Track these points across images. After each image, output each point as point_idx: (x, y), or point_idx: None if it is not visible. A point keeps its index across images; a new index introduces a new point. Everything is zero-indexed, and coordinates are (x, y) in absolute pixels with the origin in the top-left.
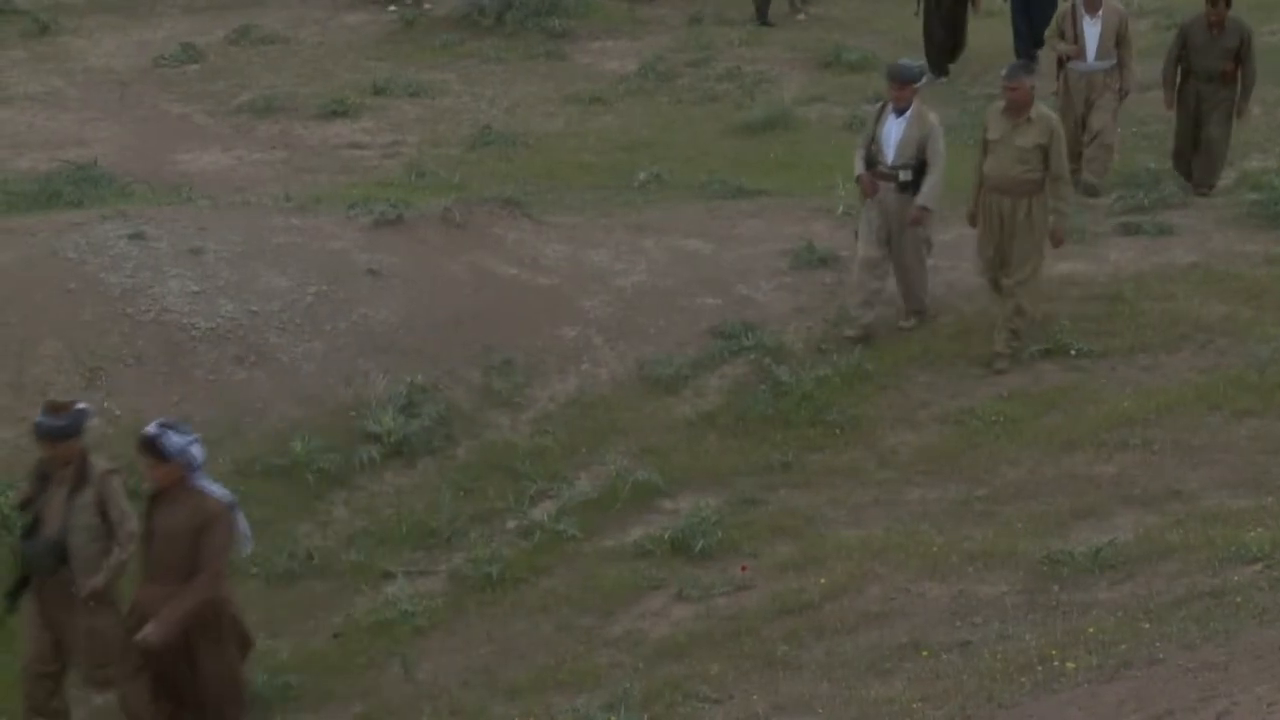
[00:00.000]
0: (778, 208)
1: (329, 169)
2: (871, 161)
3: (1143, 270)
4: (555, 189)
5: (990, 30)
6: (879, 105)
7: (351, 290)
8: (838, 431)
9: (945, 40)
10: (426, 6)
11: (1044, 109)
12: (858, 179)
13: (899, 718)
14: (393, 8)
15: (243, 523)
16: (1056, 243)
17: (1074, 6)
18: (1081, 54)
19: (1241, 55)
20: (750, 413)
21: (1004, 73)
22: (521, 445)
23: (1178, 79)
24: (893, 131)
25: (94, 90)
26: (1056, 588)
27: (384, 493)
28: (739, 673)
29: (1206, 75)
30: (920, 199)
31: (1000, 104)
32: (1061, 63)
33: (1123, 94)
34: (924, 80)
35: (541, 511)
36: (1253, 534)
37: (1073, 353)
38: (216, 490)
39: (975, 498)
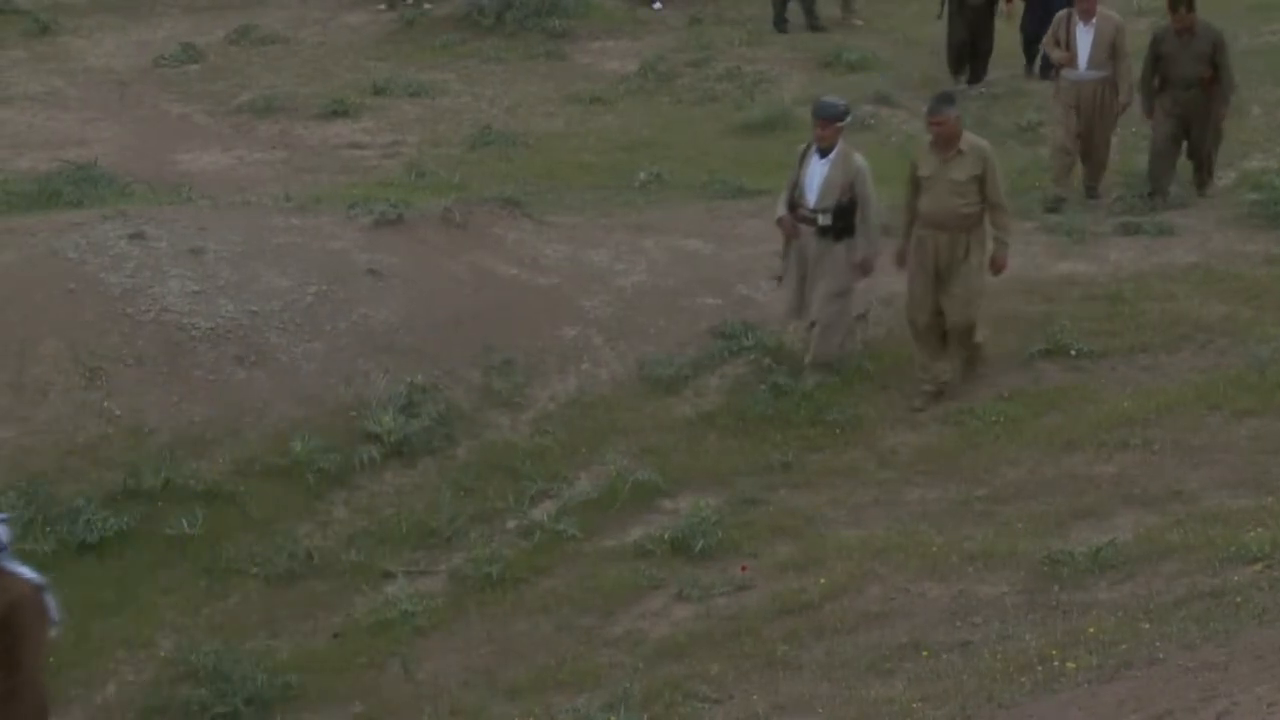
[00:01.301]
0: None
1: (329, 169)
2: (794, 204)
3: (1143, 270)
4: (555, 189)
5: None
6: (804, 145)
7: (352, 290)
8: (838, 431)
9: (966, 43)
10: (427, 6)
11: (974, 139)
12: (778, 221)
13: (899, 718)
14: (382, 6)
15: (53, 606)
16: (997, 270)
17: (1069, 14)
18: (1073, 62)
19: (1216, 60)
20: (750, 413)
21: (927, 108)
22: (522, 445)
23: (1155, 89)
24: (816, 173)
25: (94, 90)
26: (1057, 588)
27: (384, 493)
28: (739, 673)
29: (1184, 83)
30: (862, 250)
31: (928, 140)
32: (1056, 71)
33: (1121, 107)
34: (849, 119)
35: (542, 511)
36: (1253, 534)
37: (1073, 353)
38: (25, 572)
39: (975, 498)
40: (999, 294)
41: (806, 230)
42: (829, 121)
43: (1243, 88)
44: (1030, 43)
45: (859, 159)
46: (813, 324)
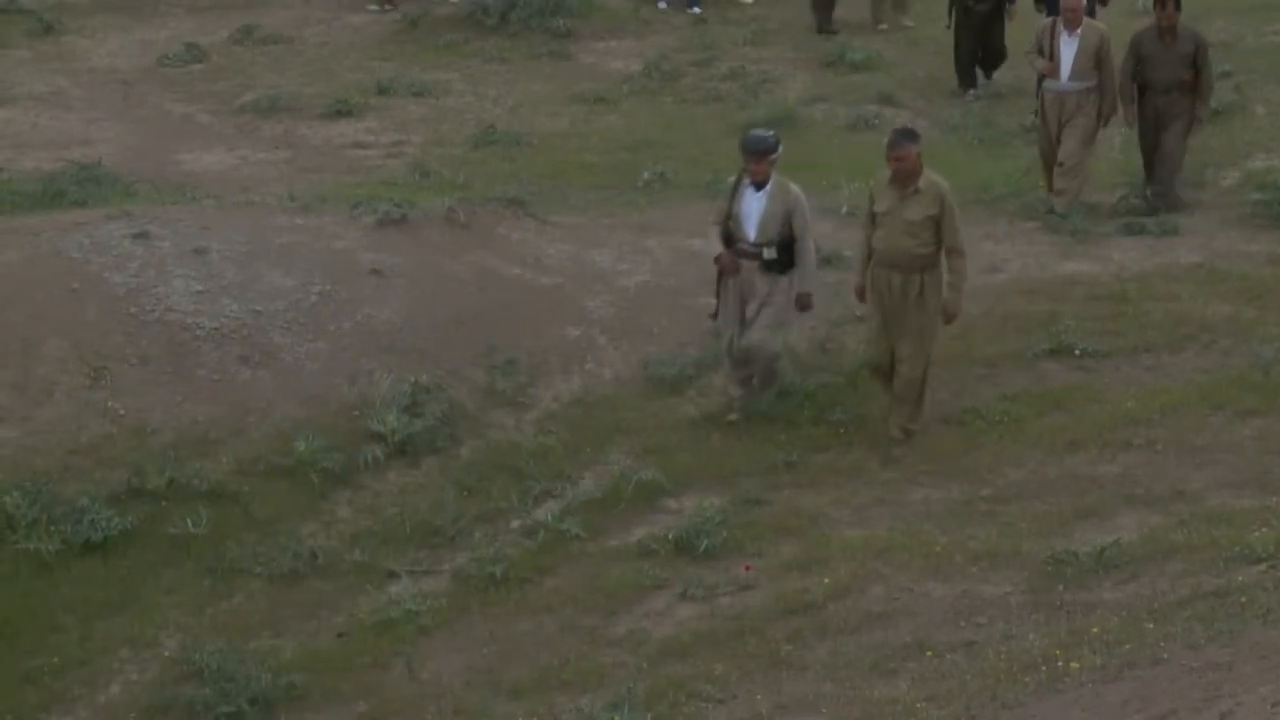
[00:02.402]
0: None
1: (333, 169)
2: (729, 239)
3: (1146, 270)
4: (559, 189)
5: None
6: (734, 178)
7: (355, 290)
8: (841, 431)
9: (973, 51)
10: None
11: (934, 177)
12: (716, 259)
13: (903, 718)
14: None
15: None
16: (949, 318)
17: (1054, 22)
18: (1056, 72)
19: (1198, 63)
20: (754, 412)
21: (887, 141)
22: (525, 445)
23: (1135, 94)
24: (753, 207)
25: (98, 90)
26: (1060, 588)
27: (388, 492)
28: (743, 672)
29: (1164, 87)
30: (802, 284)
31: (886, 174)
32: (1040, 81)
33: (1103, 119)
34: (780, 151)
35: (545, 511)
36: (1257, 534)
37: (1076, 353)
38: None
39: (979, 498)
40: (1003, 294)
41: (749, 265)
42: (761, 156)
43: (1247, 87)
44: None
45: (795, 189)
46: (744, 362)
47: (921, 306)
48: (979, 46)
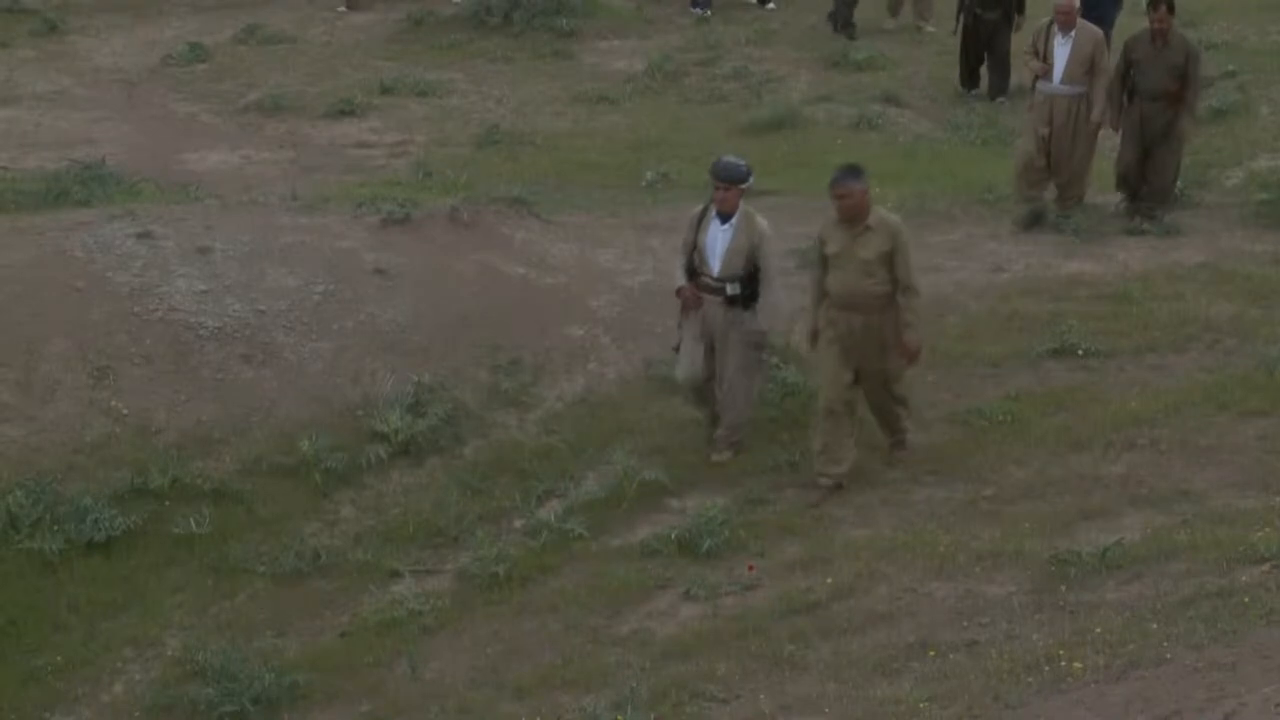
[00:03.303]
0: (784, 207)
1: (336, 168)
2: (693, 272)
3: (1150, 270)
4: (563, 188)
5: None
6: (699, 208)
7: (359, 289)
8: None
9: (979, 57)
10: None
11: (883, 213)
12: (678, 292)
13: (906, 717)
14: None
15: None
16: (909, 356)
17: (1049, 24)
18: (1049, 74)
19: (1188, 73)
20: (757, 412)
21: (831, 178)
22: (529, 444)
23: (1124, 100)
24: (718, 239)
25: (102, 89)
26: (1064, 588)
27: (391, 492)
28: (746, 672)
29: (1151, 94)
30: (764, 322)
31: (834, 214)
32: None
33: (1095, 126)
34: (751, 181)
35: (549, 511)
36: (1260, 534)
37: (1080, 352)
38: None
39: (982, 498)
40: (1007, 294)
41: (712, 300)
42: (731, 184)
43: (1251, 87)
44: None
45: (762, 222)
46: (705, 402)
47: (886, 349)
48: (985, 53)
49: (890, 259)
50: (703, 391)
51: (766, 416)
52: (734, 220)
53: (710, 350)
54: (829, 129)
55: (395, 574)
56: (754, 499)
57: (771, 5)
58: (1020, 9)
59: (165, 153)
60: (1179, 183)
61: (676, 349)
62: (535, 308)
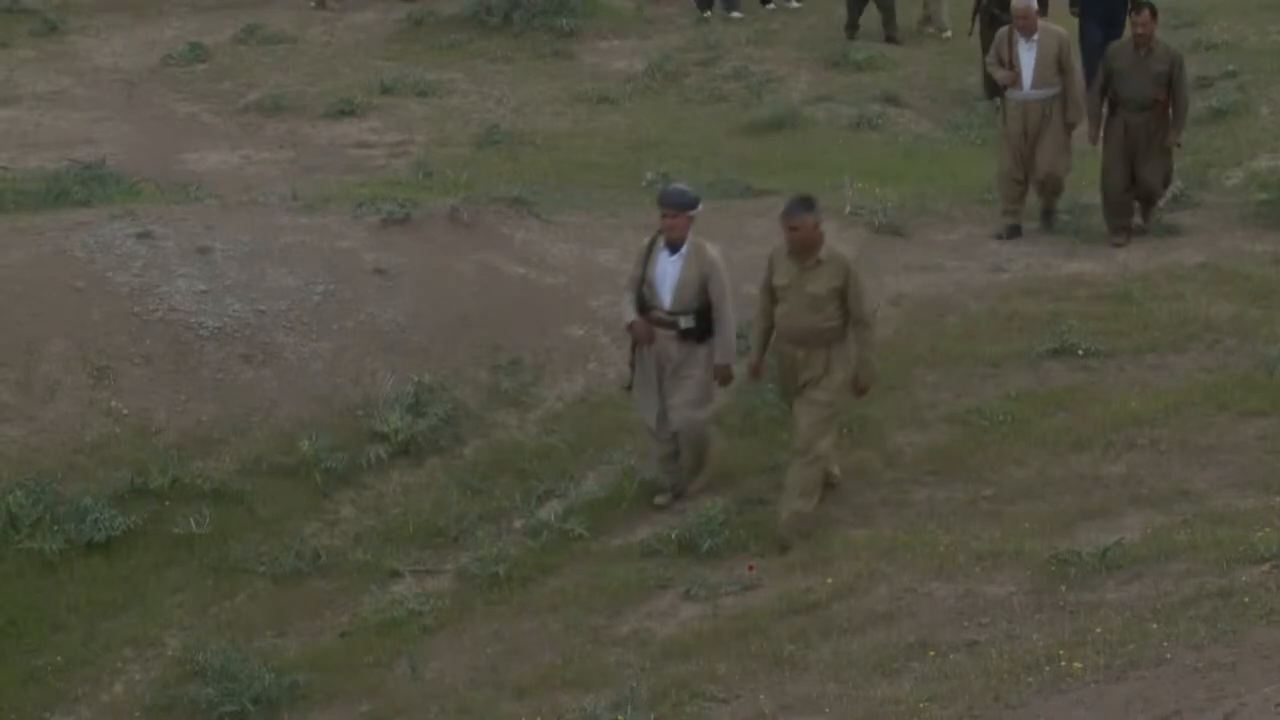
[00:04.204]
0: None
1: (336, 168)
2: (644, 305)
3: (1151, 270)
4: (563, 188)
5: None
6: (649, 239)
7: (359, 289)
8: (845, 431)
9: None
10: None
11: (836, 248)
12: (629, 326)
13: (906, 717)
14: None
15: None
16: (859, 392)
17: (1011, 29)
18: (1018, 82)
19: (1173, 82)
20: (757, 412)
21: (782, 210)
22: (529, 444)
23: (1105, 111)
24: (668, 271)
25: (102, 89)
26: (1064, 588)
27: (391, 492)
28: (746, 672)
29: (1136, 105)
30: (719, 357)
31: (785, 245)
32: (1001, 91)
33: (1070, 125)
34: (699, 209)
35: (549, 511)
36: (1261, 534)
37: (1080, 352)
38: None
39: (982, 498)
40: (1007, 294)
41: (664, 334)
42: (679, 211)
43: (1251, 87)
44: (1089, 56)
45: (713, 251)
46: (673, 434)
47: (828, 379)
48: None
49: (841, 294)
50: (664, 430)
51: (766, 416)
52: (683, 251)
53: (660, 389)
54: (829, 129)
55: (395, 574)
56: (754, 499)
57: (796, 4)
58: (1044, 8)
59: (165, 153)
60: (1179, 183)
61: (629, 388)
62: (535, 308)
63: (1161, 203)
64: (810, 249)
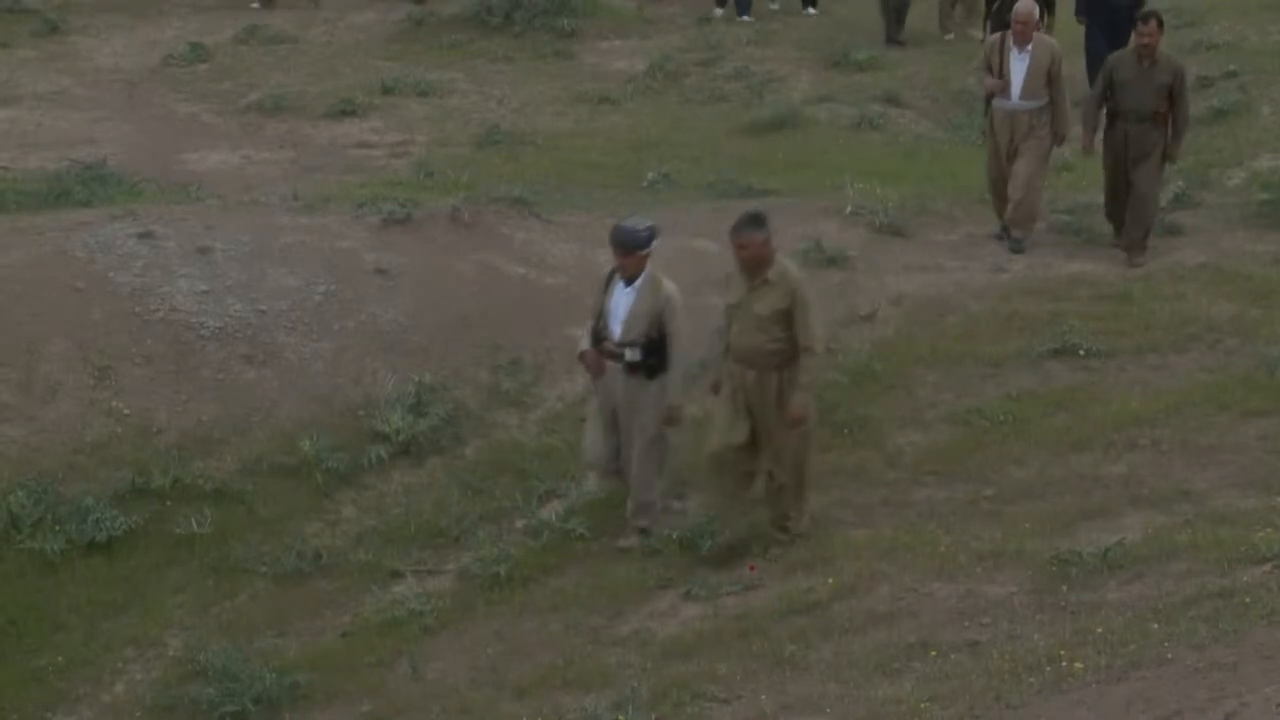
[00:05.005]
0: (786, 207)
1: (337, 168)
2: (599, 336)
3: (1151, 270)
4: (563, 188)
5: None
6: (608, 270)
7: (360, 289)
8: (845, 432)
9: None
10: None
11: (786, 267)
12: (580, 356)
13: (907, 718)
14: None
15: None
16: (793, 423)
17: (1003, 37)
18: (1006, 91)
19: (1174, 93)
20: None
21: (731, 226)
22: (530, 444)
23: (1102, 121)
24: (621, 302)
25: (103, 89)
26: (1065, 588)
27: (392, 492)
28: (747, 672)
29: (1136, 116)
30: (671, 394)
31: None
32: (988, 100)
33: (1057, 139)
34: (654, 245)
35: (550, 511)
36: (1262, 534)
37: (1081, 353)
38: None
39: (983, 498)
40: (1008, 294)
41: (614, 367)
42: (629, 251)
43: (1252, 87)
44: (1093, 63)
45: (669, 286)
46: (619, 471)
47: (779, 407)
48: None
49: (788, 316)
50: (610, 474)
51: None
52: (639, 282)
53: (614, 424)
54: (830, 129)
55: (396, 574)
56: (756, 499)
57: (812, 10)
58: (1050, 9)
59: (166, 153)
60: (1181, 183)
61: (584, 420)
62: (536, 308)
63: (1139, 260)
64: (758, 268)
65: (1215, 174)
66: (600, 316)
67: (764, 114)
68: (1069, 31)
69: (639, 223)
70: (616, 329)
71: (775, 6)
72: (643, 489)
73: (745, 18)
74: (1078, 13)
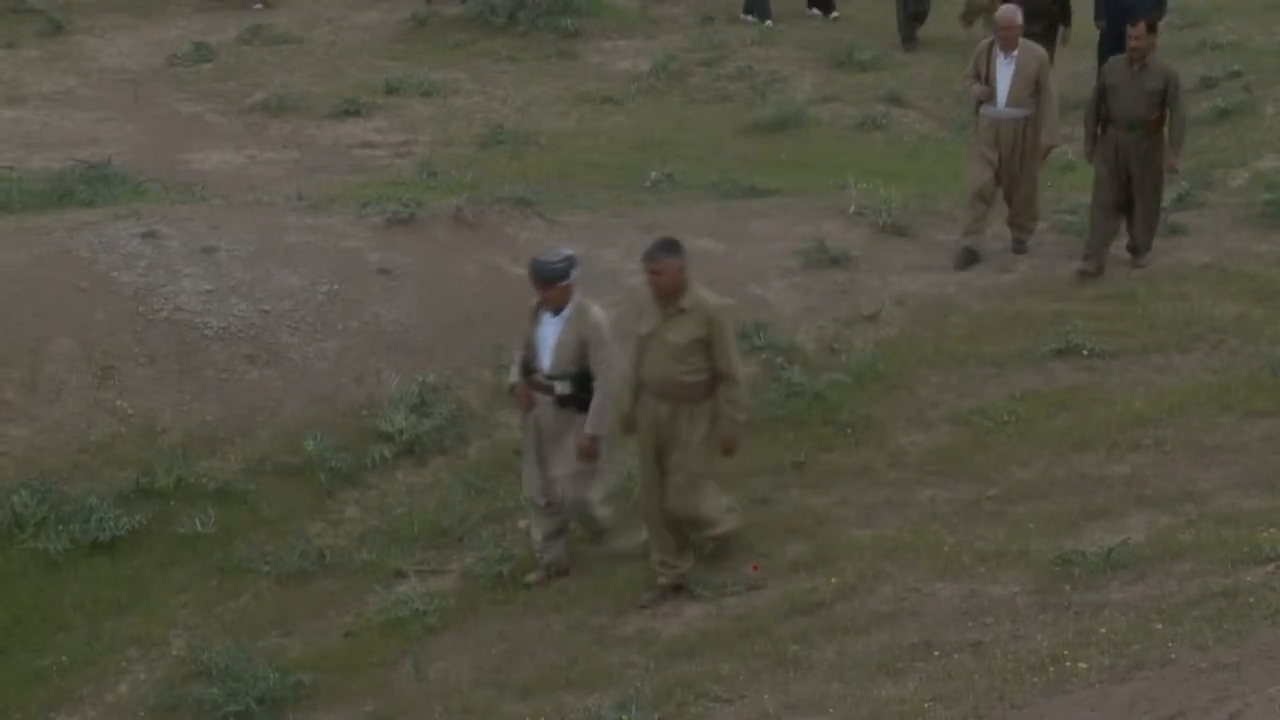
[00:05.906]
0: (789, 207)
1: (341, 168)
2: (529, 368)
3: (1155, 270)
4: (567, 188)
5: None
6: (537, 300)
7: (363, 289)
8: (849, 431)
9: None
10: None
11: (702, 295)
12: (510, 389)
13: (910, 718)
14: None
15: None
16: (727, 451)
17: (990, 44)
18: (992, 98)
19: (1168, 100)
20: (762, 413)
21: (644, 251)
22: None
23: (1099, 128)
24: (549, 333)
25: (107, 89)
26: (1068, 588)
27: (396, 492)
28: (750, 672)
29: (1128, 123)
30: (589, 425)
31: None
32: (977, 106)
33: (1044, 151)
34: (574, 276)
35: None
36: (1265, 534)
37: (1085, 353)
38: None
39: (986, 498)
40: (1011, 294)
41: (544, 399)
42: (547, 284)
43: (1257, 87)
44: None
45: (596, 315)
46: (553, 511)
47: (690, 441)
48: None
49: (706, 345)
50: (544, 512)
51: (771, 416)
52: (566, 312)
53: (545, 459)
54: (833, 129)
55: (400, 574)
56: (758, 499)
57: (835, 14)
58: (1066, 20)
59: (170, 153)
60: (1185, 183)
61: (518, 452)
62: None
63: (1142, 261)
64: (672, 295)
65: (1219, 174)
66: (529, 348)
67: (767, 114)
68: (1088, 34)
69: (556, 254)
70: (545, 360)
71: (835, 15)
72: (578, 508)
73: (766, 22)
74: (1097, 17)
